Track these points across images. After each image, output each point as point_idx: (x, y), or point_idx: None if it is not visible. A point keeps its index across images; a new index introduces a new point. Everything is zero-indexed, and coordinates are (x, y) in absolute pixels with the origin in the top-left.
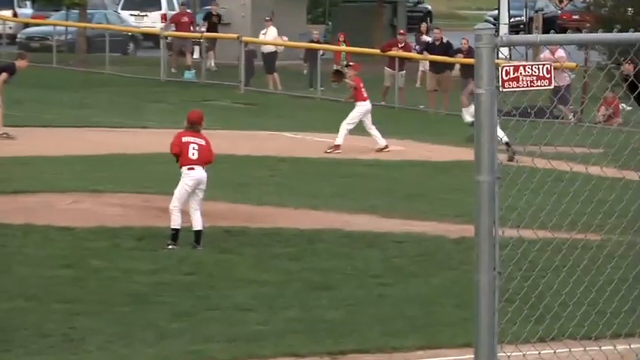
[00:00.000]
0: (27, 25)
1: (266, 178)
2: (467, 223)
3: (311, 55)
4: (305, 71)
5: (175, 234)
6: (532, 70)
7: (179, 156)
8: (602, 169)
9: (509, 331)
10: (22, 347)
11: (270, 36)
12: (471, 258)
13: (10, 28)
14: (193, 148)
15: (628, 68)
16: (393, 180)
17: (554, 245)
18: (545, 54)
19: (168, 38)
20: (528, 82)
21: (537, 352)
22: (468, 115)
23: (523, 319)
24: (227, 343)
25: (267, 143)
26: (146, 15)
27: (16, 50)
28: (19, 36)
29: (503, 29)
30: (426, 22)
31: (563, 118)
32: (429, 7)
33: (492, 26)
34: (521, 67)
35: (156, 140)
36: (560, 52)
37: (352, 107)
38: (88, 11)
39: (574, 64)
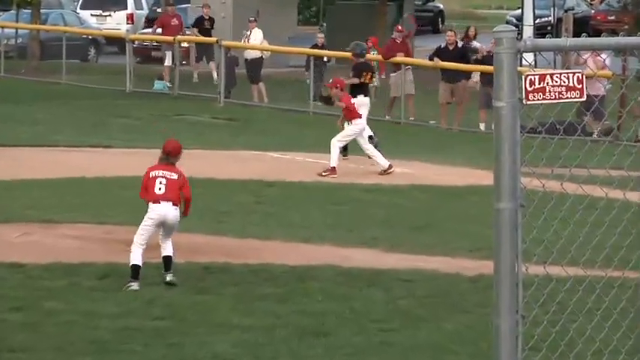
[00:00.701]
0: None
1: (250, 205)
2: (485, 258)
3: (315, 62)
4: (308, 81)
5: (135, 271)
6: (561, 79)
7: (146, 195)
8: None
9: None
10: None
11: (254, 39)
12: (489, 299)
13: None
14: (160, 182)
15: None
16: (397, 207)
17: (586, 284)
18: (586, 58)
19: (135, 42)
20: (556, 94)
21: None
22: None
23: None
24: None
25: (251, 165)
26: (109, 15)
27: None
28: None
29: (528, 31)
30: (438, 23)
31: (599, 136)
32: (441, 6)
33: (515, 28)
34: (548, 76)
35: (120, 162)
36: (603, 57)
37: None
38: (42, 11)
39: (609, 73)
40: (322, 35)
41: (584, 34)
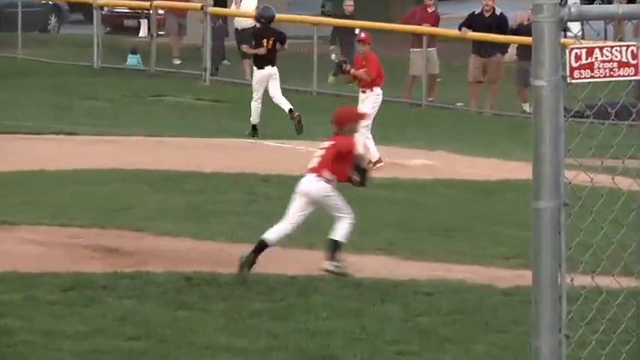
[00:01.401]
0: None
1: (242, 204)
2: (522, 267)
3: (344, 34)
4: (333, 56)
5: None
6: (612, 53)
7: None
8: None
9: None
10: None
11: (247, 5)
12: (527, 316)
13: None
14: (314, 155)
15: None
16: (418, 207)
17: None
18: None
19: (105, 9)
20: (607, 71)
21: None
22: None
23: None
24: None
25: (242, 156)
26: None
27: None
28: None
29: None
30: None
31: None
32: None
33: None
34: (597, 50)
35: (87, 151)
36: None
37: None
38: None
39: None
40: (351, 2)
41: None
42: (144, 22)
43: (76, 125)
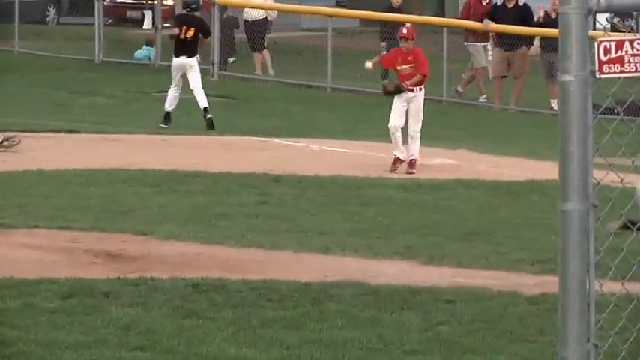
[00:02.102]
0: None
1: (252, 206)
2: (548, 272)
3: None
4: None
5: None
6: None
7: None
8: None
9: None
10: None
11: None
12: (553, 324)
13: None
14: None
15: None
16: (439, 209)
17: None
18: None
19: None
20: (637, 65)
21: None
22: None
23: None
24: None
25: (252, 155)
26: None
27: None
28: None
29: None
30: None
31: None
32: None
33: None
34: (627, 43)
35: (88, 150)
36: None
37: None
38: None
39: None
40: None
41: None
42: (148, 14)
43: (75, 123)
